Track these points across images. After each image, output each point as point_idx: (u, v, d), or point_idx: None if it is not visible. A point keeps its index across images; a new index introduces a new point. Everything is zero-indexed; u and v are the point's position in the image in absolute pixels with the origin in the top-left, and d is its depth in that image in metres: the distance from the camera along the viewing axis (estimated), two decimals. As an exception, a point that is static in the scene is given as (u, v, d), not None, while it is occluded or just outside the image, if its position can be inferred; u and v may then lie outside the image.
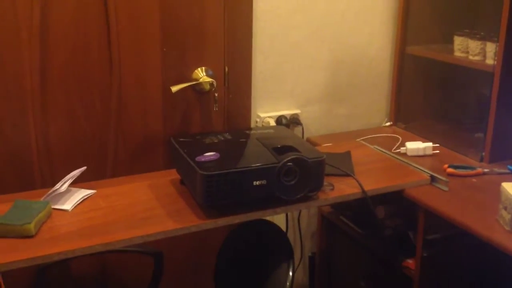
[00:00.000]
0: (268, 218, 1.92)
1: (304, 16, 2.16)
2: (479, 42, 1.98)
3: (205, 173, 1.43)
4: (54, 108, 1.80)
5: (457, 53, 2.10)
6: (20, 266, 1.27)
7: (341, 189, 1.67)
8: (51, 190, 1.52)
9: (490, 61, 1.94)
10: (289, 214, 2.31)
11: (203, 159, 1.50)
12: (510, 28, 1.82)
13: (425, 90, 2.36)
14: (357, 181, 1.69)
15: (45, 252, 1.29)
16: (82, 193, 1.57)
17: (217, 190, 1.44)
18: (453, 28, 2.16)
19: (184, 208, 1.53)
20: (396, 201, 1.94)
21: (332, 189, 1.66)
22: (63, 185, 1.53)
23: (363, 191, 1.67)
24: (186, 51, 1.95)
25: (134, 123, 1.92)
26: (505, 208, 1.51)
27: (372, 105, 2.42)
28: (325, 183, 1.62)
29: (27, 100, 1.74)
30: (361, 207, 2.05)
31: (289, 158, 1.50)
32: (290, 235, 2.34)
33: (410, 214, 1.92)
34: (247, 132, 1.77)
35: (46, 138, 1.80)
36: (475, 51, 2.01)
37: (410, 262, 1.83)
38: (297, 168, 1.51)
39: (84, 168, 1.62)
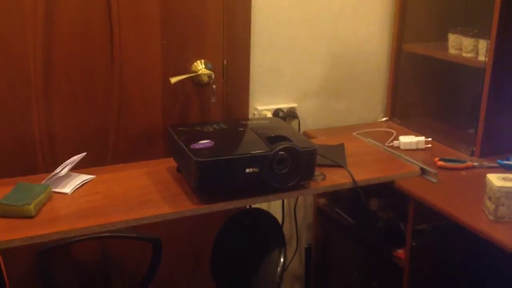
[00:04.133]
0: (264, 208, 1.98)
1: (303, 11, 2.21)
2: (472, 39, 2.03)
3: (199, 159, 1.49)
4: (57, 95, 1.86)
5: (451, 50, 2.14)
6: (19, 245, 1.33)
7: (332, 179, 1.72)
8: (51, 174, 1.59)
9: (482, 57, 1.98)
10: (285, 205, 2.36)
11: (197, 147, 1.56)
12: (501, 26, 1.87)
13: (420, 87, 2.41)
14: (348, 171, 1.74)
15: (44, 232, 1.35)
16: (81, 178, 1.63)
17: (210, 176, 1.50)
18: (448, 26, 2.21)
19: (179, 194, 1.59)
20: (389, 194, 1.99)
21: (324, 179, 1.71)
22: (63, 169, 1.59)
23: (354, 181, 1.72)
24: (185, 43, 2.00)
25: (134, 113, 1.98)
26: (489, 199, 1.55)
27: (369, 100, 2.47)
28: (316, 173, 1.68)
29: (31, 86, 1.81)
30: (355, 200, 2.10)
31: (281, 147, 1.55)
32: (287, 227, 2.39)
33: (402, 207, 1.97)
34: (243, 122, 1.83)
35: (49, 125, 1.86)
36: (468, 48, 2.05)
37: (400, 252, 1.88)
38: (288, 157, 1.56)
39: (84, 153, 1.68)
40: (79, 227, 1.38)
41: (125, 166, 1.79)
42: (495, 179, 1.54)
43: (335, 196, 2.28)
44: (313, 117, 2.35)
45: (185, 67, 2.02)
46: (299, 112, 2.28)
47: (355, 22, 2.33)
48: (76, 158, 1.65)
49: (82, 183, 1.61)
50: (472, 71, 2.09)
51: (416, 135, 2.14)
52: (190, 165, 1.52)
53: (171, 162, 1.76)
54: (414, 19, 2.34)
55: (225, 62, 2.08)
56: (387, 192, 1.95)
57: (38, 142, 1.85)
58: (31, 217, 1.41)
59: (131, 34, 1.90)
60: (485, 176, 1.67)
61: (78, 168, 1.68)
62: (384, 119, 2.46)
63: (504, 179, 1.56)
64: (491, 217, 1.55)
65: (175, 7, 1.95)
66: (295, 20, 2.21)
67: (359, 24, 2.34)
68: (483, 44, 1.97)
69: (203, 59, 2.04)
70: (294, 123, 2.27)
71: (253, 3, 2.09)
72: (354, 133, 2.22)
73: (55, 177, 1.58)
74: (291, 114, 2.25)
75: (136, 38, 1.92)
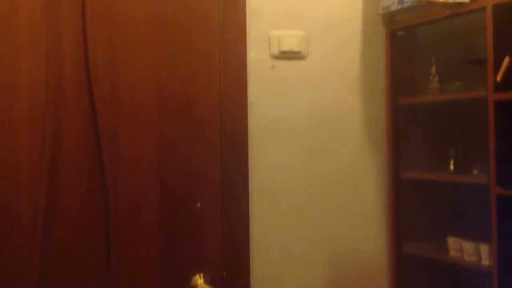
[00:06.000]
0: None
1: (300, 216, 2.23)
2: (472, 243, 2.03)
3: None
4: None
5: (452, 253, 2.13)
6: None
7: None
8: None
9: (485, 261, 1.96)
10: None
11: None
12: (500, 231, 1.88)
13: (426, 287, 2.34)
14: None
15: None
16: None
17: None
18: (445, 225, 2.23)
19: None
20: None
21: None
22: None
23: None
24: (184, 258, 1.97)
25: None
26: None
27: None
28: None
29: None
30: None
31: None
32: None
33: None
34: None
35: None
36: (469, 251, 2.04)
37: None
38: None
39: None
40: None
41: None
42: None
43: None
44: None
45: (184, 282, 1.95)
46: (302, 322, 2.17)
47: (351, 222, 2.34)
48: None
49: None
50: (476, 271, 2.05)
51: None
52: None
53: None
54: (411, 219, 2.35)
55: (224, 274, 2.03)
56: None
57: None
58: None
59: (129, 256, 1.88)
60: None
61: None
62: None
63: None
64: None
65: (174, 226, 1.95)
66: (293, 227, 2.21)
67: (356, 224, 2.34)
68: (484, 249, 1.97)
69: (202, 272, 1.98)
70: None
71: (250, 213, 2.11)
72: None
73: None
74: (294, 326, 2.14)
75: (134, 256, 1.89)
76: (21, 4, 1.76)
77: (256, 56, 2.14)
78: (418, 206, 2.37)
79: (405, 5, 2.16)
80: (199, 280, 1.97)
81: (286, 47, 2.18)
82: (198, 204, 1.99)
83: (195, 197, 1.99)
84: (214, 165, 2.01)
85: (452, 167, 2.27)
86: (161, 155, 1.93)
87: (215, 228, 2.03)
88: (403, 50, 2.33)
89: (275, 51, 2.17)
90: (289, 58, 2.20)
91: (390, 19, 2.31)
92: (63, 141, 1.80)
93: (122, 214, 1.86)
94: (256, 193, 2.13)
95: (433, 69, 2.28)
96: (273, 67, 2.18)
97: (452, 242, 2.12)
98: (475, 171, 2.15)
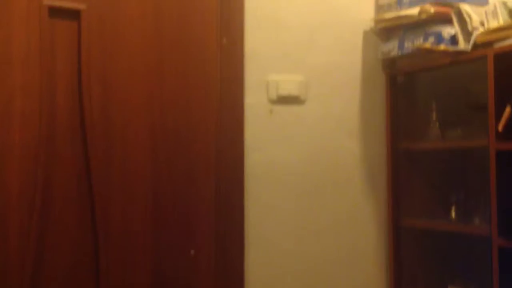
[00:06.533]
0: None
1: (298, 264, 2.17)
2: (474, 296, 1.97)
3: None
4: None
5: (455, 306, 2.06)
6: None
7: None
8: None
9: (489, 317, 1.90)
10: None
11: None
12: (502, 282, 1.82)
13: None
14: None
15: None
16: None
17: None
18: (446, 274, 2.16)
19: None
20: None
21: None
22: None
23: None
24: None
25: None
26: None
27: None
28: None
29: None
30: None
31: None
32: None
33: None
34: None
35: None
36: (472, 304, 1.98)
37: None
38: None
39: None
40: None
41: None
42: None
43: None
44: None
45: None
46: None
47: (350, 270, 2.28)
48: None
49: None
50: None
51: None
52: None
53: None
54: (411, 267, 2.29)
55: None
56: None
57: None
58: None
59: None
60: None
61: None
62: None
63: None
64: None
65: (167, 274, 1.90)
66: (291, 279, 2.16)
67: (355, 273, 2.28)
68: (487, 301, 1.90)
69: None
70: None
71: (245, 257, 2.05)
72: None
73: None
74: None
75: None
76: (16, 45, 1.76)
77: (254, 100, 2.13)
78: (418, 254, 2.31)
79: (405, 51, 2.15)
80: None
81: (284, 91, 2.16)
82: (192, 252, 1.94)
83: (189, 244, 1.94)
84: (209, 212, 1.98)
85: (453, 215, 2.21)
86: (154, 202, 1.90)
87: (209, 276, 1.98)
88: (403, 95, 2.31)
89: (273, 96, 2.16)
90: (288, 103, 2.18)
91: (390, 64, 2.30)
92: (54, 190, 1.77)
93: (114, 264, 1.81)
94: (252, 240, 2.09)
95: (434, 115, 2.25)
96: (271, 111, 2.16)
97: (454, 293, 2.06)
98: (477, 220, 2.09)
